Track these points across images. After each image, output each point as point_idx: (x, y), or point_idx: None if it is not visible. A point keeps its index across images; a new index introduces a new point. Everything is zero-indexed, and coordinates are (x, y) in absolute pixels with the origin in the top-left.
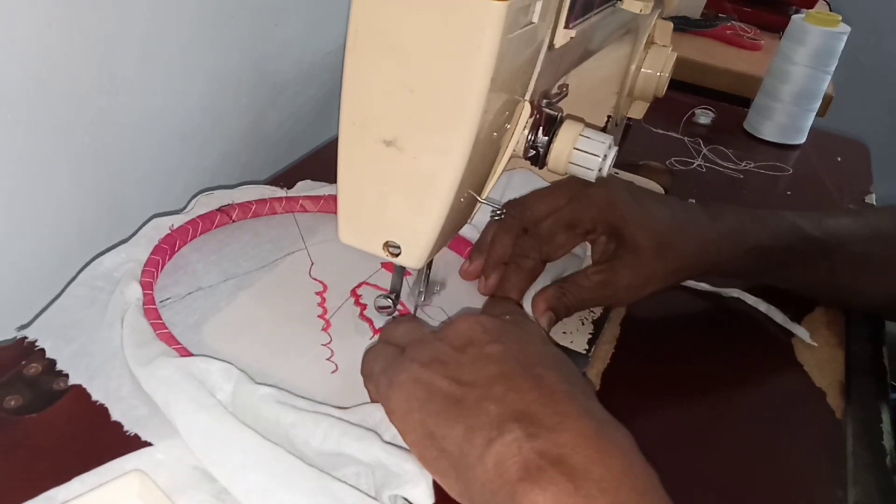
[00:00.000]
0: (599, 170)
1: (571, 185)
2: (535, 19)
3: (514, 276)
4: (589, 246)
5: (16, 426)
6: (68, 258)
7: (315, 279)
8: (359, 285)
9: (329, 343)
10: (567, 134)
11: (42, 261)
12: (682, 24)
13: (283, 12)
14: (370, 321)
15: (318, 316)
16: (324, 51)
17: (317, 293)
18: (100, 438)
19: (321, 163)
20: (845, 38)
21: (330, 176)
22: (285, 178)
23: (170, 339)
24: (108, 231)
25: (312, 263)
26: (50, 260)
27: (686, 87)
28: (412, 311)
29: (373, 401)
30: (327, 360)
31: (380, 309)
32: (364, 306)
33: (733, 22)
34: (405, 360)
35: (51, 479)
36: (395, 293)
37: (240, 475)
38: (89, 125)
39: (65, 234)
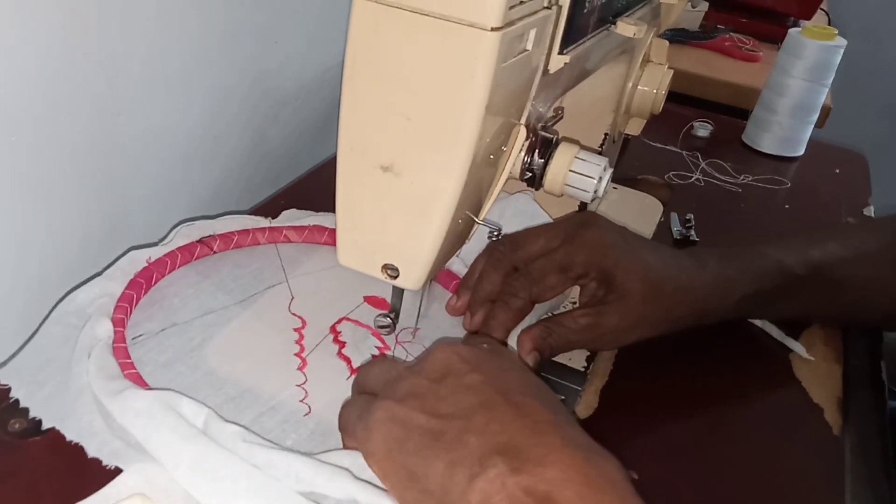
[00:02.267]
0: (595, 191)
1: (565, 227)
2: (529, 47)
3: (501, 314)
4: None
5: (20, 450)
6: (71, 277)
7: (294, 314)
8: (339, 321)
9: (304, 383)
10: (562, 156)
11: (45, 280)
12: (681, 37)
13: (284, 29)
14: (348, 360)
15: (295, 354)
16: (324, 66)
17: (295, 329)
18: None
19: (322, 180)
20: (842, 51)
21: (331, 193)
22: (287, 196)
23: (138, 380)
24: (112, 250)
25: (293, 297)
26: (53, 279)
27: (685, 100)
28: (399, 336)
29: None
30: (301, 401)
31: (380, 328)
32: (343, 344)
33: (731, 34)
34: (379, 400)
35: (54, 502)
36: (395, 313)
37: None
38: (92, 145)
39: (68, 253)
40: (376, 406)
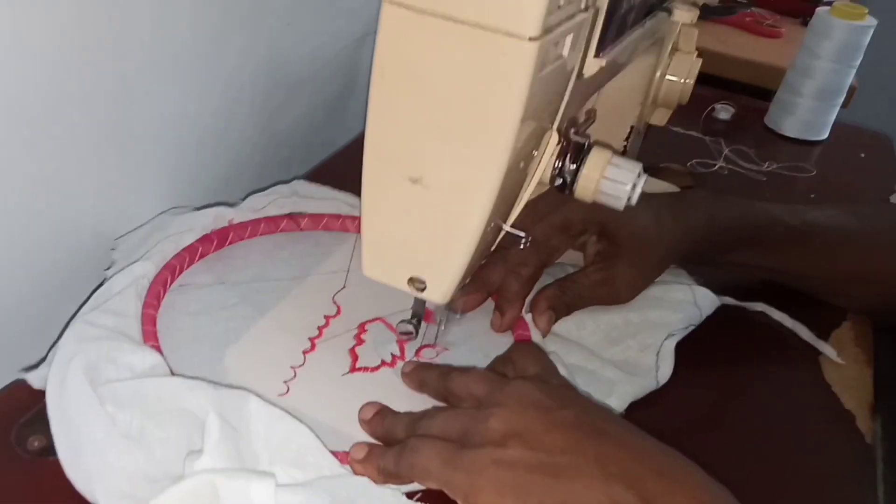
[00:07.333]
0: (628, 199)
1: (553, 196)
2: (565, 53)
3: (514, 284)
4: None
5: (37, 469)
6: (86, 269)
7: (335, 302)
8: (373, 320)
9: (300, 366)
10: (595, 162)
11: (59, 272)
12: (701, 12)
13: (296, 10)
14: (356, 357)
15: (309, 338)
16: (338, 46)
17: (326, 316)
18: None
19: (338, 167)
20: (871, 31)
21: (345, 179)
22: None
23: (150, 322)
24: None
25: (344, 287)
26: (67, 271)
27: (704, 78)
28: (433, 342)
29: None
30: (284, 382)
31: (402, 335)
32: (362, 342)
33: (752, 9)
34: (474, 449)
35: None
36: (417, 318)
37: None
38: (103, 133)
39: (82, 244)
40: (475, 452)
